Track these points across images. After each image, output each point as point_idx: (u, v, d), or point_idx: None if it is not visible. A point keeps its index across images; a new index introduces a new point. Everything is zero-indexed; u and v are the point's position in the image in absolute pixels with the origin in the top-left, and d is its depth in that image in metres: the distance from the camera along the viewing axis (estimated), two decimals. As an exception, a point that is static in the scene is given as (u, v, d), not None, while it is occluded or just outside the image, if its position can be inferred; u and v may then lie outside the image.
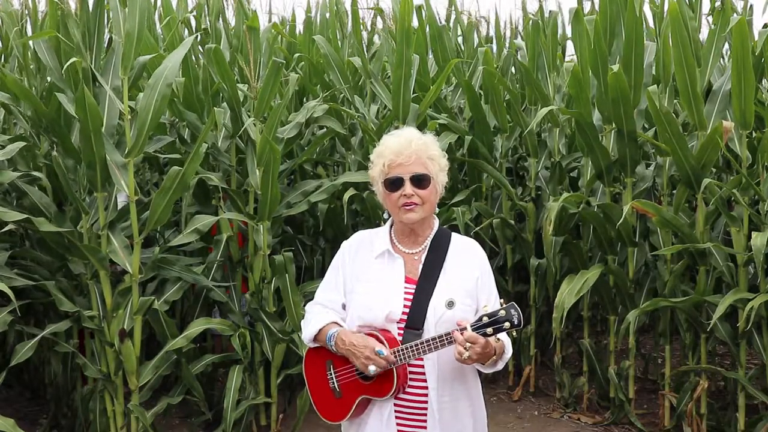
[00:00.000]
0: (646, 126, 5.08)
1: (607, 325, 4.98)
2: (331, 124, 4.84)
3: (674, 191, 4.67)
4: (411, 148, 2.29)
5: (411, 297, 2.28)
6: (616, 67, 4.34)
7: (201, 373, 4.36)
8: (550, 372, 5.42)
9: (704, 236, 4.28)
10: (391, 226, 2.42)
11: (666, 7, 4.88)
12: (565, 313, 4.23)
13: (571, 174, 5.52)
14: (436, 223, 2.40)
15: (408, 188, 2.26)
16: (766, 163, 4.07)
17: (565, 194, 4.52)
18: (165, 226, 4.69)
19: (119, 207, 3.99)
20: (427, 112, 5.10)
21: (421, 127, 5.03)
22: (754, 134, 4.61)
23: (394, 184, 2.28)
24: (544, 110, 4.69)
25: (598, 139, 4.62)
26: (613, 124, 4.61)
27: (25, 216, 3.71)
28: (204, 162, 4.59)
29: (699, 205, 4.29)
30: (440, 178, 2.34)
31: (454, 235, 2.41)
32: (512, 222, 5.28)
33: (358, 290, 2.34)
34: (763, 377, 4.21)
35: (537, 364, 5.39)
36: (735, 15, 4.29)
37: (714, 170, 4.56)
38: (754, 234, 3.88)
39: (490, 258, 5.51)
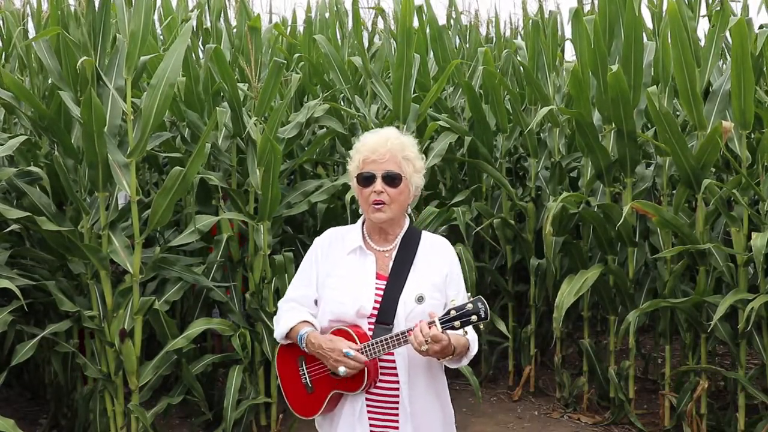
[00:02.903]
0: (649, 126, 5.08)
1: (607, 325, 4.98)
2: (331, 123, 4.84)
3: (674, 191, 4.67)
4: (386, 146, 2.32)
5: (381, 292, 2.32)
6: (615, 68, 4.34)
7: (201, 373, 4.36)
8: (550, 372, 5.42)
9: (704, 236, 4.28)
10: (363, 223, 2.45)
11: (664, 7, 4.88)
12: (563, 313, 4.24)
13: (571, 174, 5.52)
14: (407, 222, 2.44)
15: (379, 185, 2.30)
16: (765, 163, 4.07)
17: (565, 194, 4.52)
18: (165, 226, 4.69)
19: (120, 207, 3.99)
20: (428, 112, 5.10)
21: (422, 127, 5.05)
22: (753, 134, 4.62)
23: (366, 180, 2.32)
24: (544, 110, 4.69)
25: (598, 139, 4.62)
26: (613, 124, 4.62)
27: (27, 214, 3.72)
28: (204, 162, 4.60)
29: (699, 205, 4.30)
30: (414, 179, 2.37)
31: (424, 233, 2.46)
32: (512, 222, 5.28)
33: (329, 285, 2.37)
34: (763, 377, 4.22)
35: (537, 364, 5.39)
36: (733, 16, 4.29)
37: (714, 170, 4.57)
38: (754, 234, 3.88)
39: (491, 258, 5.60)
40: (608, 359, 4.88)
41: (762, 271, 4.02)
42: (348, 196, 4.45)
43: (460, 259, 4.72)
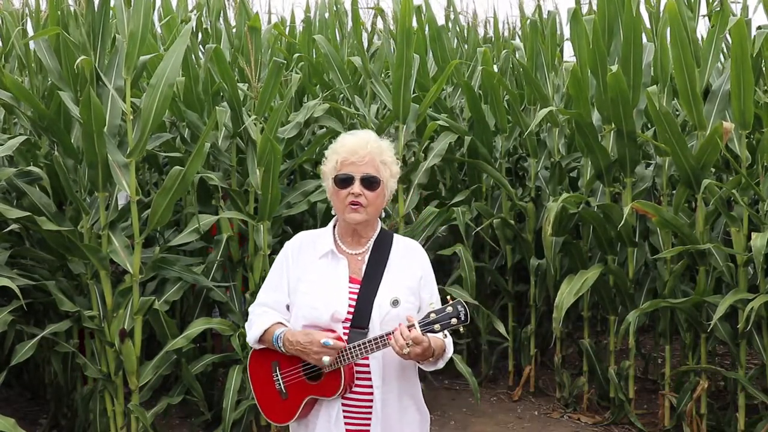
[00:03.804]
0: (649, 126, 5.08)
1: (607, 325, 4.98)
2: (331, 123, 4.84)
3: (674, 191, 4.67)
4: (366, 149, 2.31)
5: (356, 296, 2.30)
6: (615, 68, 4.34)
7: (201, 373, 4.36)
8: (550, 372, 5.42)
9: (704, 236, 4.28)
10: (334, 227, 2.44)
11: (662, 8, 4.88)
12: (563, 313, 4.24)
13: (570, 174, 5.52)
14: (379, 225, 2.44)
15: (357, 187, 2.29)
16: (765, 164, 4.07)
17: (565, 194, 4.52)
18: (165, 226, 4.69)
19: (119, 207, 3.99)
20: (427, 112, 5.10)
21: (422, 127, 5.05)
22: (753, 135, 4.62)
23: (344, 181, 2.31)
24: (543, 111, 4.70)
25: (598, 139, 4.62)
26: (613, 124, 4.62)
27: (27, 213, 3.72)
28: (204, 162, 4.60)
29: (699, 205, 4.30)
30: (390, 184, 2.37)
31: (395, 236, 2.44)
32: (512, 222, 5.29)
33: (302, 290, 2.35)
34: (763, 377, 4.22)
35: (537, 364, 5.39)
36: (733, 16, 4.29)
37: (714, 170, 4.57)
38: (753, 234, 3.88)
39: (491, 258, 5.60)
40: (608, 359, 4.88)
41: (762, 271, 4.03)
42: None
43: (460, 259, 4.77)
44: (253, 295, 4.39)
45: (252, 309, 2.46)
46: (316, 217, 5.03)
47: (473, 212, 5.21)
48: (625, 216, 4.12)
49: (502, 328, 4.86)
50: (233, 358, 4.31)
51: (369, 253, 2.36)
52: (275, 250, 4.51)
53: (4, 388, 4.65)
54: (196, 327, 4.14)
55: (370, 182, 2.30)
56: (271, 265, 4.29)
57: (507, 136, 5.44)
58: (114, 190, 3.94)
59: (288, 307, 2.40)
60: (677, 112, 5.17)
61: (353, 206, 2.30)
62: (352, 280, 2.33)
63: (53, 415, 4.53)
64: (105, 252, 3.87)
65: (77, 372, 4.31)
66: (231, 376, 4.21)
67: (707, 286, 4.31)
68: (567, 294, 4.33)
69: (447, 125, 5.06)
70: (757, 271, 4.08)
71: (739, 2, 4.90)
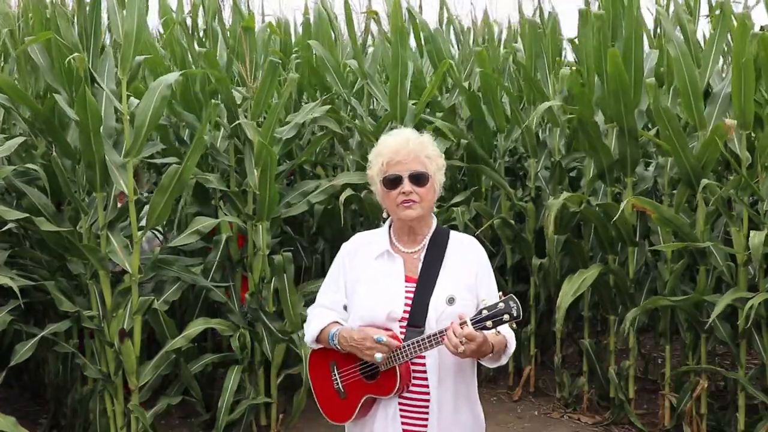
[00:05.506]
0: (650, 126, 5.08)
1: (607, 325, 4.98)
2: (329, 124, 4.84)
3: (675, 192, 4.66)
4: (409, 147, 2.30)
5: (412, 295, 2.29)
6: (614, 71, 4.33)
7: (201, 373, 4.36)
8: (550, 372, 5.41)
9: (704, 236, 4.27)
10: (389, 227, 2.43)
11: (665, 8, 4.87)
12: (563, 313, 4.23)
13: (571, 174, 5.51)
14: (434, 222, 2.41)
15: (407, 186, 2.27)
16: (765, 163, 4.06)
17: (566, 194, 4.51)
18: (165, 226, 4.69)
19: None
20: (425, 115, 5.09)
21: (418, 128, 5.03)
22: (754, 135, 4.61)
23: (392, 182, 2.29)
24: (543, 106, 4.68)
25: (601, 138, 4.61)
26: (614, 122, 4.61)
27: (26, 215, 3.72)
28: (203, 162, 4.60)
29: (699, 204, 4.29)
30: (438, 177, 2.35)
31: (452, 232, 2.42)
32: (512, 222, 5.28)
33: (359, 291, 2.35)
34: (763, 377, 4.21)
35: (537, 364, 5.39)
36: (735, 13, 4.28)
37: (713, 172, 4.55)
38: (752, 233, 3.88)
39: (490, 258, 5.56)
40: (608, 359, 4.87)
41: (761, 270, 4.01)
42: (342, 198, 4.43)
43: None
44: (253, 295, 4.39)
45: (309, 310, 2.47)
46: (316, 217, 5.02)
47: (472, 212, 5.21)
48: (622, 210, 4.08)
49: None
50: (233, 357, 4.31)
51: (425, 251, 2.35)
52: (274, 250, 4.54)
53: (4, 387, 4.65)
54: (196, 327, 4.15)
55: (419, 178, 2.29)
56: (270, 265, 4.35)
57: (506, 136, 5.43)
58: (112, 190, 3.94)
59: (345, 308, 2.40)
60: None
61: (406, 204, 2.28)
62: (408, 279, 2.32)
63: (53, 415, 4.54)
64: (104, 252, 3.88)
65: (77, 372, 4.31)
66: (229, 377, 4.21)
67: (707, 286, 4.30)
68: (566, 294, 4.33)
69: (442, 129, 5.04)
70: (756, 270, 4.07)
71: (740, 1, 4.91)
